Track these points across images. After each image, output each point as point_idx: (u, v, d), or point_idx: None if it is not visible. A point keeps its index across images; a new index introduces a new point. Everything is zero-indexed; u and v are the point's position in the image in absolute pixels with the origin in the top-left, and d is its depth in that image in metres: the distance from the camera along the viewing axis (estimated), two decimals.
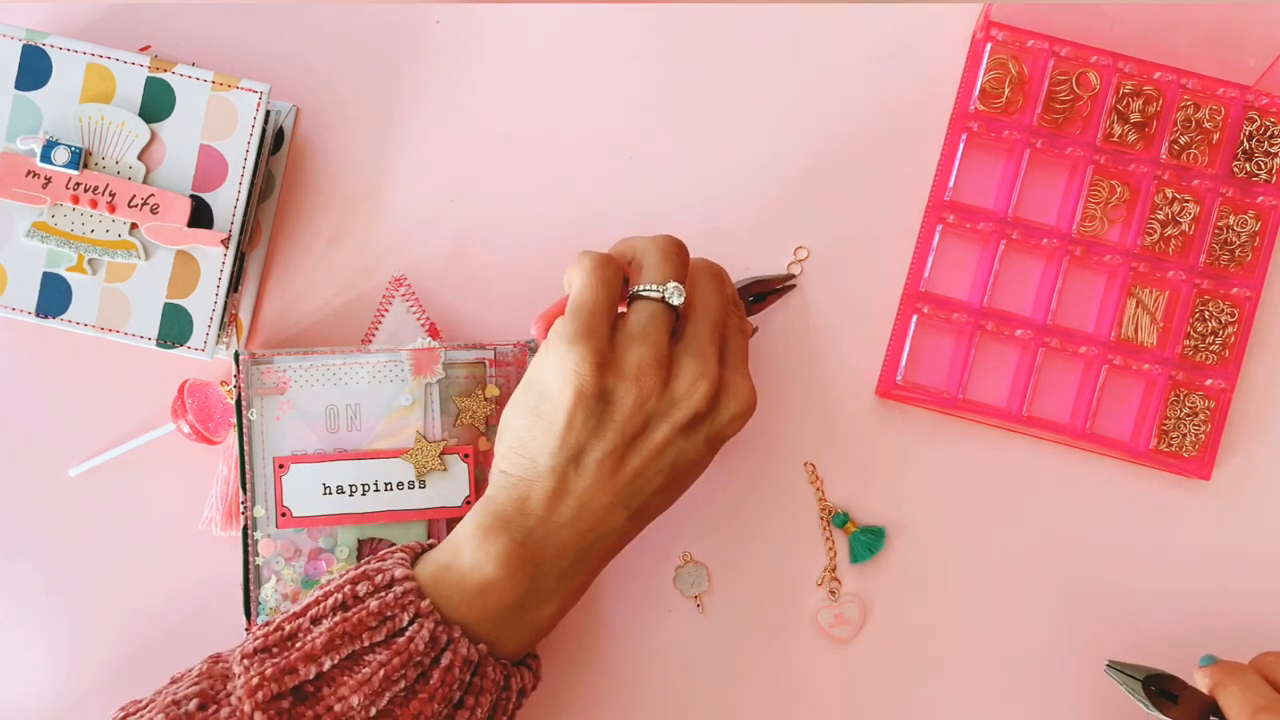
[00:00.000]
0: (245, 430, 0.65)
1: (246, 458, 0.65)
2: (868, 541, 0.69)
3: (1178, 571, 0.70)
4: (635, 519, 0.60)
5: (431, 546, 0.61)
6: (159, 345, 0.67)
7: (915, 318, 0.69)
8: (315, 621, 0.56)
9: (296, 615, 0.56)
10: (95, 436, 0.69)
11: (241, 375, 0.65)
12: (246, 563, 0.65)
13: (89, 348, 0.69)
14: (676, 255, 0.61)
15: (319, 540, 0.66)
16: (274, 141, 0.70)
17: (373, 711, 0.54)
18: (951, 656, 0.70)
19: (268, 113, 0.66)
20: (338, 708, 0.53)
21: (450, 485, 0.66)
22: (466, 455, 0.66)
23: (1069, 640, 0.69)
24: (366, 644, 0.55)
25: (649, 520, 0.61)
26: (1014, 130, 0.69)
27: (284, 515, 0.65)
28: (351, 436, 0.66)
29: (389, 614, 0.55)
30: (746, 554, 0.70)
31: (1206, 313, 0.69)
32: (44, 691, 0.69)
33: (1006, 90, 0.69)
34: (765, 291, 0.69)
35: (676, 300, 0.60)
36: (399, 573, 0.57)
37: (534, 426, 0.58)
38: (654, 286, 0.59)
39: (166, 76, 0.66)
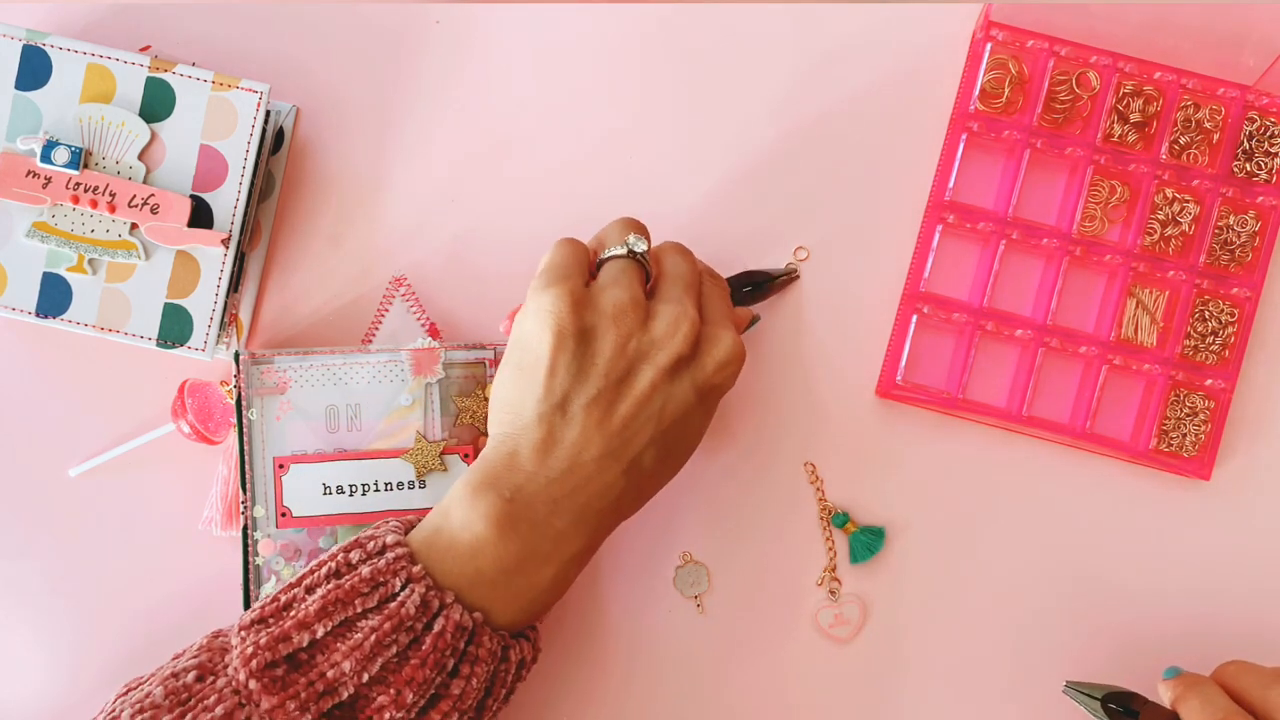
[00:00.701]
0: (245, 430, 0.65)
1: (246, 458, 0.65)
2: (868, 541, 0.69)
3: (1177, 571, 0.70)
4: (630, 475, 0.58)
5: (423, 516, 0.60)
6: (159, 345, 0.67)
7: (915, 318, 0.69)
8: (310, 590, 0.55)
9: (292, 586, 0.56)
10: (95, 436, 0.69)
11: (241, 375, 0.65)
12: (246, 563, 0.65)
13: (89, 348, 0.69)
14: (634, 224, 0.62)
15: (319, 540, 0.66)
16: (274, 141, 0.70)
17: (365, 677, 0.53)
18: (951, 656, 0.70)
19: (268, 113, 0.66)
20: (330, 674, 0.53)
21: (450, 485, 0.66)
22: (466, 455, 0.66)
23: (1069, 640, 0.69)
24: (359, 610, 0.54)
25: (648, 484, 0.60)
26: (1014, 130, 0.69)
27: (284, 515, 0.65)
28: (351, 436, 0.66)
29: (381, 580, 0.55)
30: (746, 554, 0.70)
31: (1206, 313, 0.69)
32: (44, 691, 0.69)
33: (1006, 90, 0.69)
34: (761, 281, 0.68)
35: (640, 247, 0.61)
36: (391, 539, 0.56)
37: (518, 380, 0.58)
38: (616, 247, 0.61)
39: (166, 76, 0.66)
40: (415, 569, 0.55)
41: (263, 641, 0.54)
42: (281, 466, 0.65)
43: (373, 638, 0.53)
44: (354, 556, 0.56)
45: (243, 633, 0.55)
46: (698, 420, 0.60)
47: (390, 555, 0.55)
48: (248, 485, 0.65)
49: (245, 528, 0.65)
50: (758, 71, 0.71)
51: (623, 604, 0.70)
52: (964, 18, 0.71)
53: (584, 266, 0.60)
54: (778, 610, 0.70)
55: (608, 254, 0.61)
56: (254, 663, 0.53)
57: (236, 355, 0.65)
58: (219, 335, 0.67)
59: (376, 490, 0.66)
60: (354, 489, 0.66)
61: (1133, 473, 0.70)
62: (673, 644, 0.69)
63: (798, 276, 0.70)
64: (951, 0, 0.71)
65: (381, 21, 0.71)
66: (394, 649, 0.54)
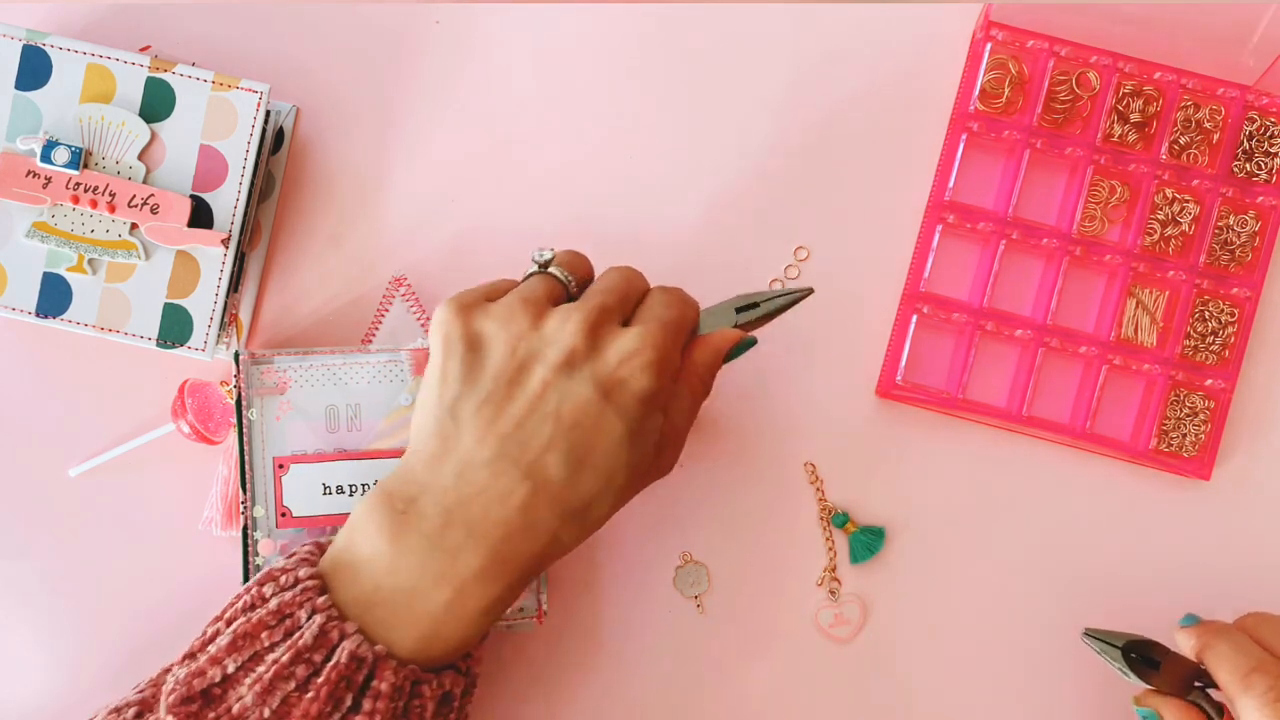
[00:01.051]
0: (245, 430, 0.65)
1: (246, 458, 0.65)
2: (868, 541, 0.69)
3: (1177, 571, 0.70)
4: (534, 481, 0.54)
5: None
6: (159, 345, 0.67)
7: (915, 318, 0.69)
8: (228, 624, 0.54)
9: (217, 619, 0.55)
10: (95, 436, 0.69)
11: (241, 375, 0.65)
12: (246, 563, 0.65)
13: (89, 348, 0.69)
14: (566, 252, 0.61)
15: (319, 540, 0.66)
16: (274, 141, 0.70)
17: (267, 711, 0.51)
18: (951, 656, 0.70)
19: (268, 113, 0.66)
20: (236, 708, 0.52)
21: None
22: None
23: (1069, 640, 0.69)
24: (266, 644, 0.53)
25: (564, 497, 0.54)
26: (1014, 130, 0.69)
27: (284, 515, 0.65)
28: (351, 436, 0.66)
29: (287, 612, 0.53)
30: (746, 554, 0.70)
31: (1206, 313, 0.69)
32: (44, 691, 0.69)
33: (1006, 90, 0.69)
34: (762, 302, 0.62)
35: (542, 257, 0.60)
36: (303, 572, 0.55)
37: (421, 397, 0.57)
38: (530, 267, 0.61)
39: (166, 76, 0.66)
40: (320, 600, 0.53)
41: (181, 677, 0.53)
42: (281, 466, 0.65)
43: (272, 670, 0.52)
44: (267, 590, 0.54)
45: (176, 669, 0.54)
46: (614, 424, 0.55)
47: (299, 587, 0.54)
48: (248, 485, 0.65)
49: (245, 528, 0.65)
50: (758, 71, 0.71)
51: (623, 604, 0.70)
52: (964, 18, 0.71)
53: (495, 290, 0.59)
54: (778, 610, 0.70)
55: (526, 273, 0.60)
56: (172, 698, 0.52)
57: (236, 355, 0.65)
58: (219, 335, 0.67)
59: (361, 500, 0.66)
60: (354, 489, 0.66)
61: (1133, 473, 0.70)
62: (673, 644, 0.69)
63: (809, 292, 0.63)
64: (951, 0, 0.71)
65: (381, 21, 0.71)
66: (292, 682, 0.52)
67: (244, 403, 0.65)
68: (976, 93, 0.69)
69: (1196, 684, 0.59)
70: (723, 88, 0.71)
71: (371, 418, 0.66)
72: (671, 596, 0.70)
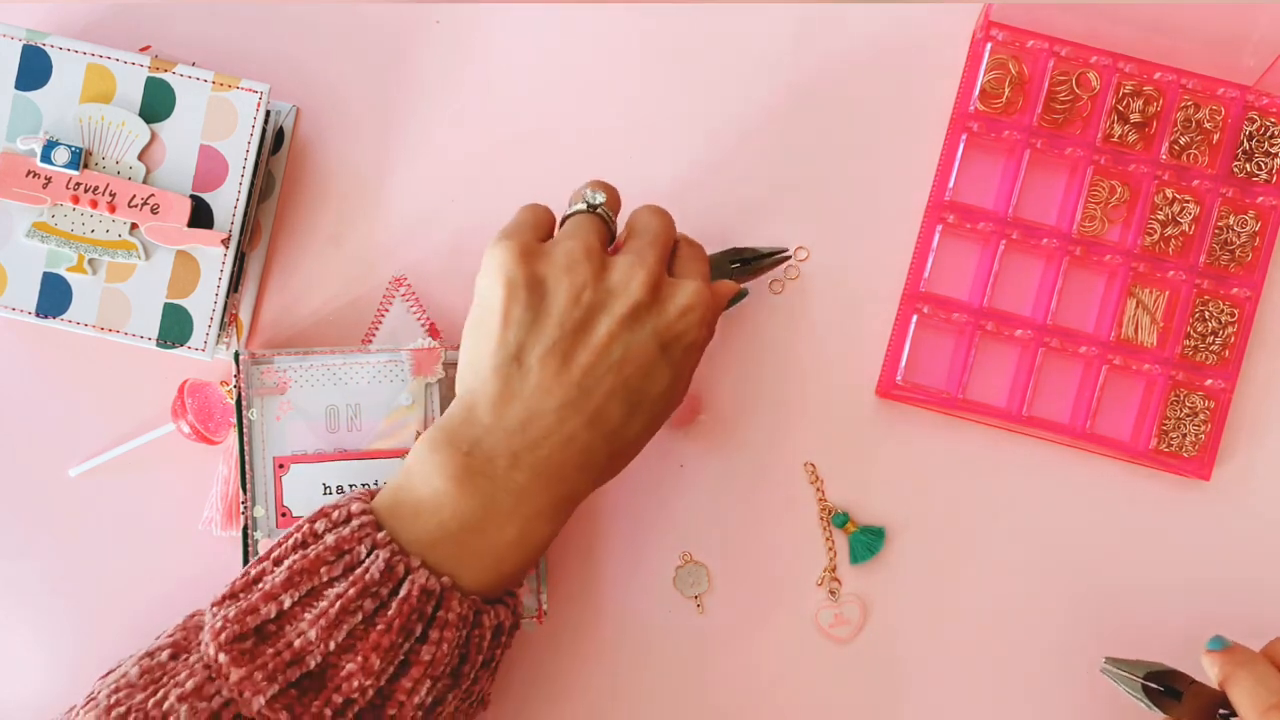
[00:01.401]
0: (245, 430, 0.65)
1: (246, 458, 0.65)
2: (868, 541, 0.69)
3: (1178, 571, 0.70)
4: (596, 428, 0.57)
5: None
6: (159, 345, 0.67)
7: (915, 318, 0.69)
8: (277, 563, 0.55)
9: (261, 559, 0.56)
10: (95, 436, 0.69)
11: (241, 375, 0.65)
12: (246, 563, 0.65)
13: (89, 348, 0.69)
14: (599, 182, 0.62)
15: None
16: (274, 141, 0.70)
17: (331, 645, 0.52)
18: (951, 656, 0.70)
19: (268, 113, 0.66)
20: (297, 642, 0.52)
21: None
22: None
23: (1069, 640, 0.69)
24: (325, 579, 0.54)
25: (618, 441, 0.58)
26: (1014, 130, 0.69)
27: (284, 515, 0.65)
28: (351, 436, 0.66)
29: (346, 548, 0.54)
30: (746, 554, 0.70)
31: (1206, 313, 0.69)
32: (44, 691, 0.69)
33: (1006, 90, 0.69)
34: (750, 259, 0.68)
35: (597, 199, 0.61)
36: (355, 507, 0.56)
37: (475, 336, 0.58)
38: (576, 204, 0.61)
39: (166, 76, 0.66)
40: (380, 535, 0.54)
41: (231, 615, 0.53)
42: (281, 466, 0.65)
43: (338, 604, 0.53)
44: (319, 526, 0.55)
45: (214, 609, 0.55)
46: (664, 373, 0.58)
47: (355, 523, 0.55)
48: (248, 485, 0.65)
49: (245, 528, 0.65)
50: (757, 72, 0.71)
51: (623, 604, 0.70)
52: (964, 18, 0.71)
53: (541, 226, 0.60)
54: (778, 610, 0.70)
55: (568, 211, 0.61)
56: (223, 636, 0.53)
57: (236, 355, 0.65)
58: (219, 335, 0.67)
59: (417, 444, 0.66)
60: (354, 489, 0.66)
61: (1133, 473, 0.70)
62: (673, 644, 0.69)
63: (788, 257, 0.70)
64: (951, 0, 0.71)
65: (381, 21, 0.71)
66: (359, 615, 0.53)
67: (244, 403, 0.65)
68: (976, 93, 0.69)
69: (1221, 711, 0.57)
70: (723, 88, 0.71)
71: (371, 418, 0.66)
72: (671, 596, 0.70)
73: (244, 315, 0.70)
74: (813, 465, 0.70)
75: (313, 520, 0.56)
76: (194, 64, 0.67)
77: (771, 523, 0.70)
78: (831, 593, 0.70)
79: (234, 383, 0.65)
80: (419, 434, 0.66)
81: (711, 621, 0.70)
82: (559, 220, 0.62)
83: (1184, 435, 0.69)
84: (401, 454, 0.66)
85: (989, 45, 0.69)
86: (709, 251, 0.65)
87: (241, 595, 0.55)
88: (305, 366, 0.66)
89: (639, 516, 0.70)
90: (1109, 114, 0.69)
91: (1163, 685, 0.59)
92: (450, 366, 0.67)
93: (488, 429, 0.56)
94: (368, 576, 0.53)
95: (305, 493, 0.65)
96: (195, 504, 0.69)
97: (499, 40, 0.71)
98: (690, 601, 0.70)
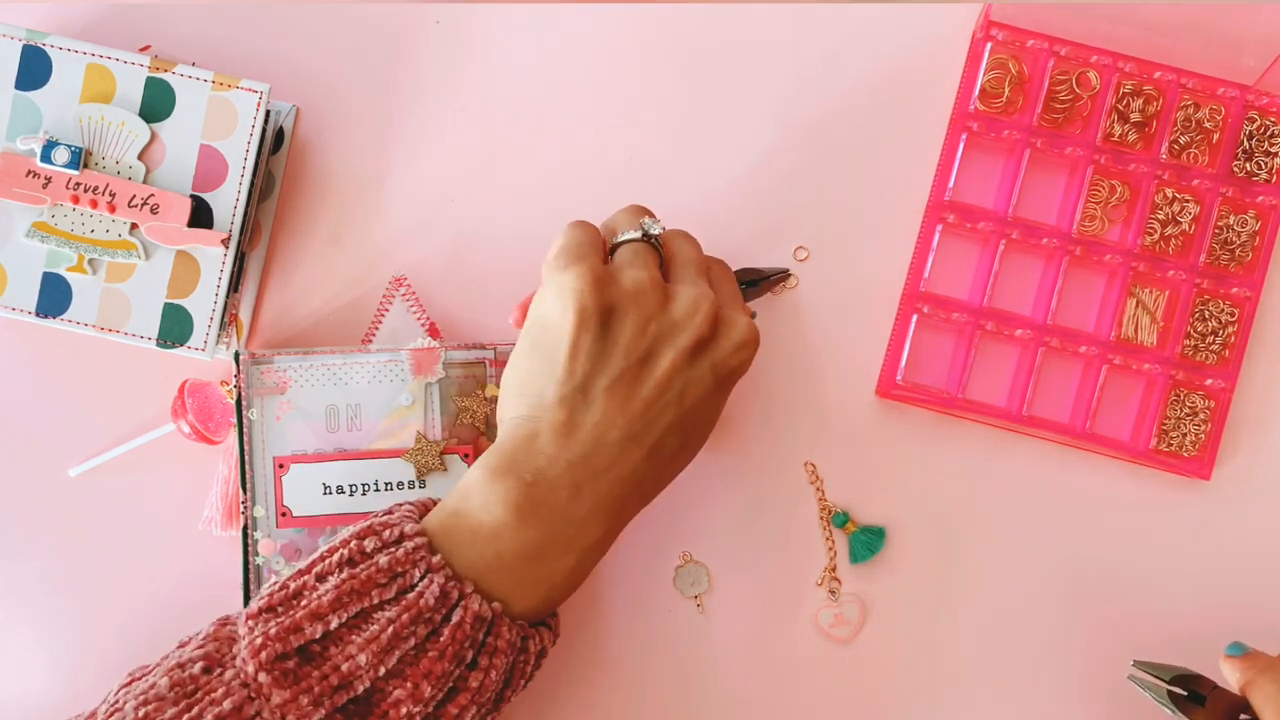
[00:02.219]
0: (245, 430, 0.65)
1: (246, 458, 0.65)
2: (868, 541, 0.69)
3: (1178, 571, 0.70)
4: (652, 460, 0.57)
5: (436, 502, 0.58)
6: (159, 345, 0.67)
7: (915, 318, 0.69)
8: (321, 579, 0.53)
9: (302, 573, 0.54)
10: (95, 436, 0.69)
11: (241, 375, 0.65)
12: (246, 563, 0.65)
13: (89, 348, 0.69)
14: (645, 210, 0.62)
15: (319, 540, 0.66)
16: (274, 141, 0.70)
17: (381, 670, 0.51)
18: (951, 656, 0.70)
19: (268, 113, 0.66)
20: (345, 667, 0.51)
21: (450, 485, 0.66)
22: (466, 455, 0.66)
23: (1068, 640, 0.69)
24: (376, 601, 0.53)
25: (667, 469, 0.59)
26: (1014, 130, 0.69)
27: (284, 515, 0.65)
28: (351, 436, 0.66)
29: (400, 570, 0.53)
30: (746, 554, 0.70)
31: (1206, 313, 0.69)
32: (44, 690, 0.69)
33: (1006, 90, 0.69)
34: (754, 280, 0.68)
35: (655, 230, 0.60)
36: (409, 528, 0.55)
37: (537, 361, 0.57)
38: (630, 230, 0.60)
39: (166, 76, 0.66)
40: (435, 559, 0.54)
41: (273, 632, 0.52)
42: (281, 466, 0.65)
43: (390, 630, 0.52)
44: (369, 545, 0.54)
45: (250, 622, 0.53)
46: (715, 405, 0.59)
47: (409, 545, 0.54)
48: (248, 485, 0.65)
49: (245, 528, 0.65)
50: (758, 71, 0.71)
51: (623, 604, 0.70)
52: (964, 18, 0.71)
53: (600, 248, 0.59)
54: (778, 610, 0.70)
55: (622, 238, 0.60)
56: (264, 654, 0.51)
57: (236, 355, 0.65)
58: (219, 335, 0.67)
59: (376, 490, 0.66)
60: (354, 489, 0.66)
61: (1133, 473, 0.70)
62: (673, 644, 0.69)
63: (788, 275, 0.70)
64: (951, 0, 0.71)
65: (381, 21, 0.71)
66: (411, 641, 0.52)
67: (244, 403, 0.65)
68: (976, 93, 0.69)
69: (1243, 716, 0.57)
70: (723, 87, 0.71)
71: (371, 417, 0.66)
72: (671, 596, 0.70)
73: (244, 315, 0.70)
74: (813, 465, 0.70)
75: (361, 536, 0.54)
76: (194, 64, 0.67)
77: (771, 523, 0.70)
78: (831, 593, 0.70)
79: (234, 383, 0.65)
80: (419, 434, 0.66)
81: (711, 621, 0.70)
82: (609, 247, 0.61)
83: (1184, 435, 0.69)
84: (401, 454, 0.66)
85: (989, 45, 0.69)
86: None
87: (281, 610, 0.53)
88: (305, 366, 0.66)
89: (639, 516, 0.70)
90: (1109, 113, 0.69)
91: (1186, 690, 0.58)
92: (450, 366, 0.67)
93: (551, 459, 0.55)
94: (422, 602, 0.52)
95: (305, 492, 0.65)
96: (195, 504, 0.69)
97: (499, 40, 0.71)
98: (690, 601, 0.70)
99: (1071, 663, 0.69)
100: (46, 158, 0.65)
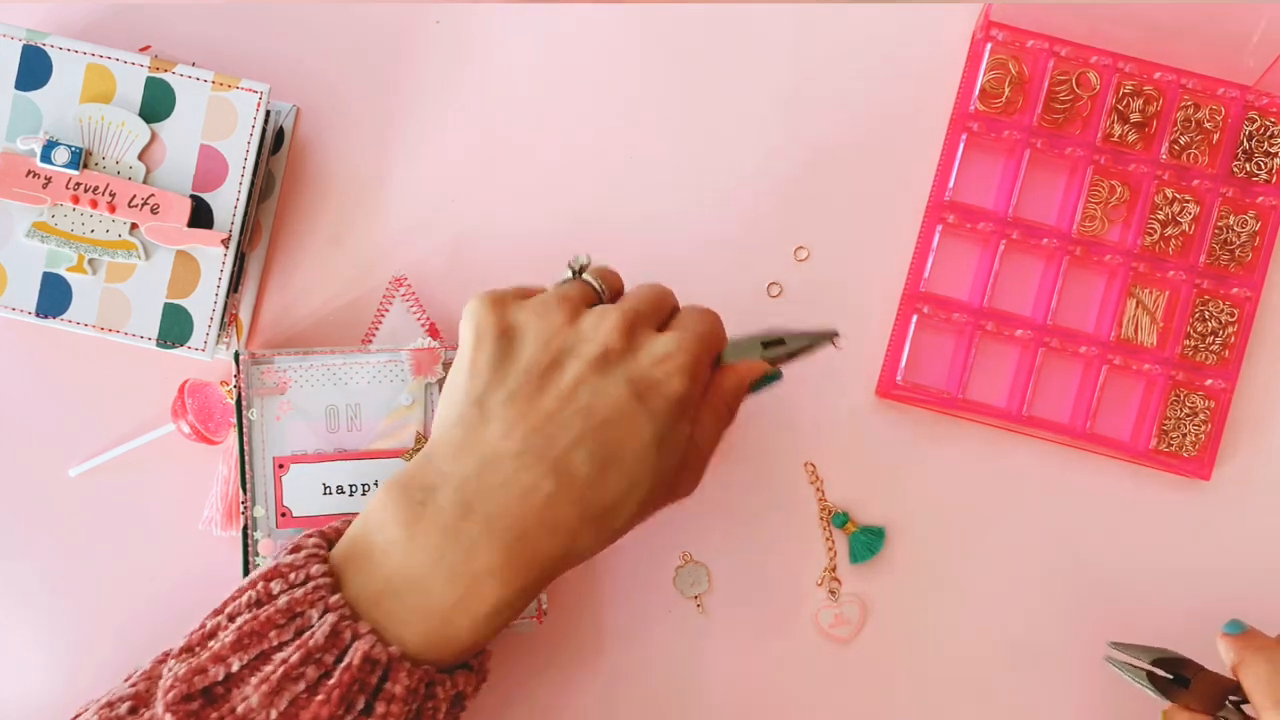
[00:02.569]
0: (245, 430, 0.65)
1: (246, 458, 0.65)
2: (868, 541, 0.69)
3: (1178, 572, 0.70)
4: (559, 479, 0.52)
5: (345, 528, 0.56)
6: (159, 345, 0.67)
7: (915, 318, 0.69)
8: (231, 619, 0.52)
9: (217, 612, 0.53)
10: (95, 436, 0.69)
11: (241, 375, 0.65)
12: (246, 563, 0.65)
13: (89, 348, 0.69)
14: (601, 267, 0.60)
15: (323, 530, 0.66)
16: (274, 141, 0.70)
17: (273, 713, 0.49)
18: (952, 656, 0.70)
19: (268, 113, 0.66)
20: (240, 708, 0.50)
21: None
22: None
23: (1069, 640, 0.69)
24: (275, 643, 0.51)
25: (592, 497, 0.52)
26: (1014, 130, 0.69)
27: (284, 515, 0.65)
28: (351, 436, 0.66)
29: (297, 610, 0.51)
30: (746, 554, 0.70)
31: (1206, 313, 0.69)
32: (44, 691, 0.69)
33: (1006, 90, 0.69)
34: (785, 342, 0.60)
35: (578, 263, 0.59)
36: (315, 569, 0.52)
37: (446, 388, 0.56)
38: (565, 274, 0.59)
39: (166, 76, 0.66)
40: (333, 598, 0.51)
41: (181, 673, 0.51)
42: (281, 466, 0.65)
43: (281, 670, 0.50)
44: (275, 587, 0.52)
45: (171, 661, 0.52)
46: (642, 426, 0.53)
47: (310, 585, 0.52)
48: (248, 485, 0.65)
49: (245, 528, 0.65)
50: (758, 71, 0.71)
51: (623, 604, 0.70)
52: (964, 18, 0.71)
53: (526, 291, 0.58)
54: (778, 610, 0.70)
55: (558, 282, 0.59)
56: (171, 695, 0.50)
57: (236, 355, 0.65)
58: (219, 335, 0.67)
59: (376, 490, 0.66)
60: (354, 489, 0.66)
61: (1133, 473, 0.70)
62: (673, 644, 0.69)
63: (831, 337, 0.60)
64: (951, 0, 0.71)
65: (381, 21, 0.71)
66: (302, 683, 0.50)
67: (244, 403, 0.65)
68: (976, 93, 0.69)
69: (1231, 699, 0.56)
70: (723, 87, 0.71)
71: (371, 418, 0.66)
72: (671, 596, 0.70)
73: (244, 315, 0.70)
74: (813, 465, 0.70)
75: (268, 578, 0.53)
76: (194, 64, 0.67)
77: (771, 523, 0.70)
78: (831, 593, 0.70)
79: (234, 383, 0.65)
80: (419, 434, 0.66)
81: (711, 621, 0.70)
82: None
83: (1184, 435, 0.69)
84: (401, 454, 0.66)
85: (989, 45, 0.69)
86: (747, 334, 0.60)
87: (197, 649, 0.52)
88: (305, 366, 0.66)
89: None
90: (1109, 114, 0.69)
91: (1170, 672, 0.57)
92: (450, 367, 0.67)
93: (445, 476, 0.53)
94: (311, 642, 0.50)
95: (305, 493, 0.65)
96: (195, 504, 0.69)
97: (499, 40, 0.71)
98: (690, 601, 0.70)
99: (1071, 661, 0.69)
100: (46, 158, 0.65)
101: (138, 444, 0.69)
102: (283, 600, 0.52)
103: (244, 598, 0.53)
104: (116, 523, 0.69)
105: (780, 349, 0.60)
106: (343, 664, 0.50)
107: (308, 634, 0.51)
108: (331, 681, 0.50)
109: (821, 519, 0.70)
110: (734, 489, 0.70)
